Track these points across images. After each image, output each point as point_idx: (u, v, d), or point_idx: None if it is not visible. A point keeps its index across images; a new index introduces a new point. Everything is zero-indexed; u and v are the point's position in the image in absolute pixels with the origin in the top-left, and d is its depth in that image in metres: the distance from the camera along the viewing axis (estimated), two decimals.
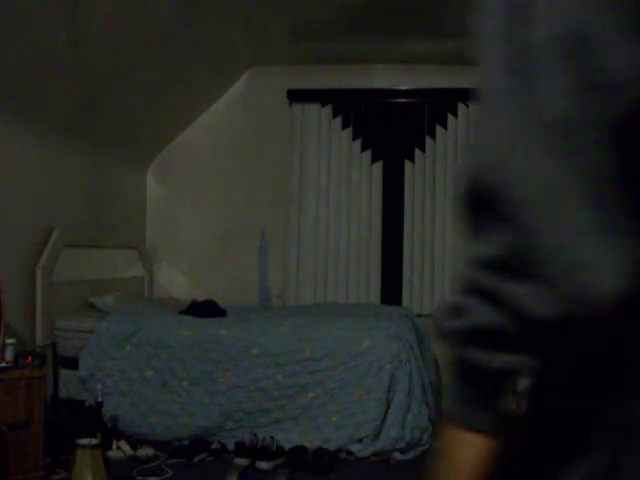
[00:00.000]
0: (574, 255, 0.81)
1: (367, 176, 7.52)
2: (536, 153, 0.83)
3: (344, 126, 7.56)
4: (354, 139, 7.55)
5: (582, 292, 0.81)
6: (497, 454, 0.95)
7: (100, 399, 5.24)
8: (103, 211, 6.87)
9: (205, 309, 6.19)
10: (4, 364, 4.50)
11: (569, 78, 0.82)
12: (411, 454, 5.09)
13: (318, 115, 7.59)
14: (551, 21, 0.84)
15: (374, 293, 7.47)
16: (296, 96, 7.58)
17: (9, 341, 4.61)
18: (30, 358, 4.64)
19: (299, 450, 5.02)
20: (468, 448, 0.97)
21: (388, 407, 5.15)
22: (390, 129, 7.51)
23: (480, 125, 0.92)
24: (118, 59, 5.75)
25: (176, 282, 7.89)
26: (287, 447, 5.10)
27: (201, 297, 7.01)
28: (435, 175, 7.39)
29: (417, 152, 7.42)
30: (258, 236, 7.73)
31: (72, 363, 5.65)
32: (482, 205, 0.88)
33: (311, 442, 5.12)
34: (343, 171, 7.55)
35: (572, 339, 0.86)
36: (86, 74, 5.66)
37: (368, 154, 7.53)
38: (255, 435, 5.17)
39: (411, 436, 5.07)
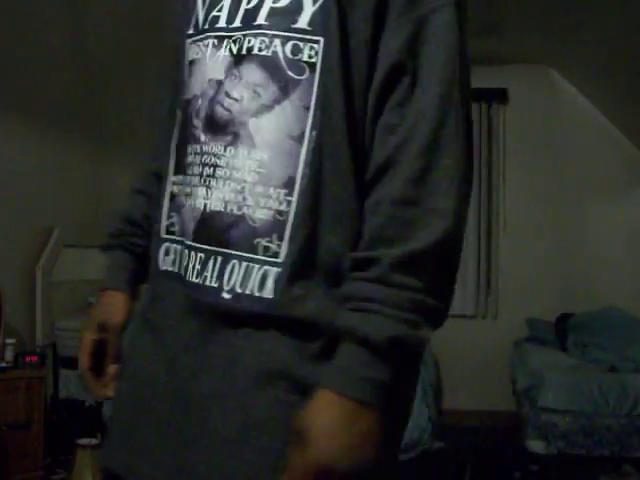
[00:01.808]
0: None
1: None
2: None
3: None
4: None
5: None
6: None
7: (100, 399, 5.23)
8: (103, 211, 6.86)
9: None
10: (4, 364, 4.51)
11: None
12: (410, 454, 5.09)
13: None
14: None
15: None
16: None
17: (9, 341, 4.62)
18: (30, 358, 4.64)
19: None
20: (378, 422, 1.11)
21: None
22: None
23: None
24: (120, 59, 5.75)
25: None
26: None
27: None
28: None
29: None
30: None
31: (72, 363, 5.64)
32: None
33: None
34: None
35: None
36: (87, 74, 5.66)
37: None
38: None
39: (410, 436, 5.07)
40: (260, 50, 1.24)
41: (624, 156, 6.95)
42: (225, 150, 1.25)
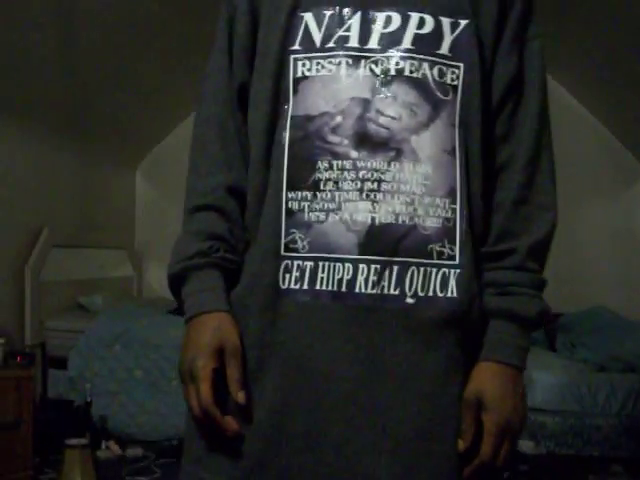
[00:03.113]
0: None
1: None
2: None
3: None
4: None
5: None
6: None
7: (89, 399, 5.23)
8: (92, 211, 6.85)
9: None
10: None
11: None
12: None
13: None
14: None
15: None
16: None
17: None
18: (19, 358, 4.63)
19: None
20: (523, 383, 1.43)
21: None
22: None
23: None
24: (107, 57, 5.74)
25: (165, 282, 7.80)
26: None
27: None
28: None
29: None
30: None
31: (61, 363, 5.64)
32: None
33: None
34: None
35: None
36: (75, 72, 5.64)
37: None
38: None
39: None
40: (411, 72, 1.37)
41: (613, 156, 6.96)
42: (389, 165, 1.34)
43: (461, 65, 1.39)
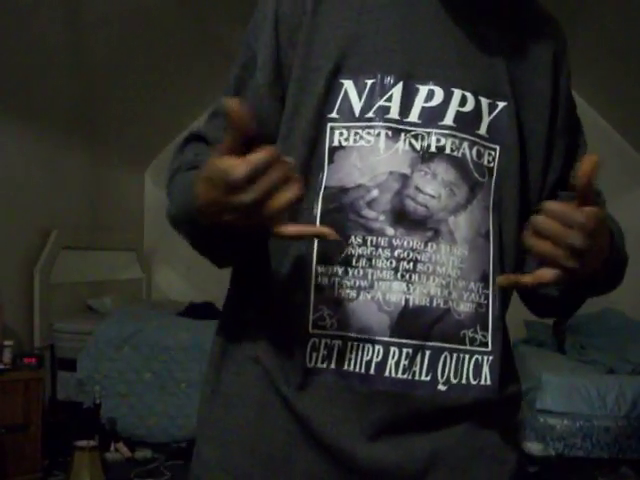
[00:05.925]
0: None
1: None
2: None
3: None
4: None
5: None
6: None
7: (98, 401, 5.23)
8: (101, 212, 6.87)
9: (203, 311, 6.20)
10: (2, 366, 4.51)
11: None
12: None
13: None
14: None
15: None
16: None
17: (7, 343, 4.62)
18: (28, 360, 4.64)
19: None
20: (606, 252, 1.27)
21: None
22: None
23: None
24: (117, 59, 5.75)
25: (174, 284, 7.88)
26: None
27: (199, 299, 7.00)
28: None
29: None
30: None
31: (70, 365, 5.65)
32: None
33: None
34: None
35: None
36: (84, 74, 5.66)
37: None
38: None
39: None
40: (452, 150, 1.30)
41: (622, 158, 6.95)
42: (426, 246, 1.27)
43: (497, 147, 1.34)
